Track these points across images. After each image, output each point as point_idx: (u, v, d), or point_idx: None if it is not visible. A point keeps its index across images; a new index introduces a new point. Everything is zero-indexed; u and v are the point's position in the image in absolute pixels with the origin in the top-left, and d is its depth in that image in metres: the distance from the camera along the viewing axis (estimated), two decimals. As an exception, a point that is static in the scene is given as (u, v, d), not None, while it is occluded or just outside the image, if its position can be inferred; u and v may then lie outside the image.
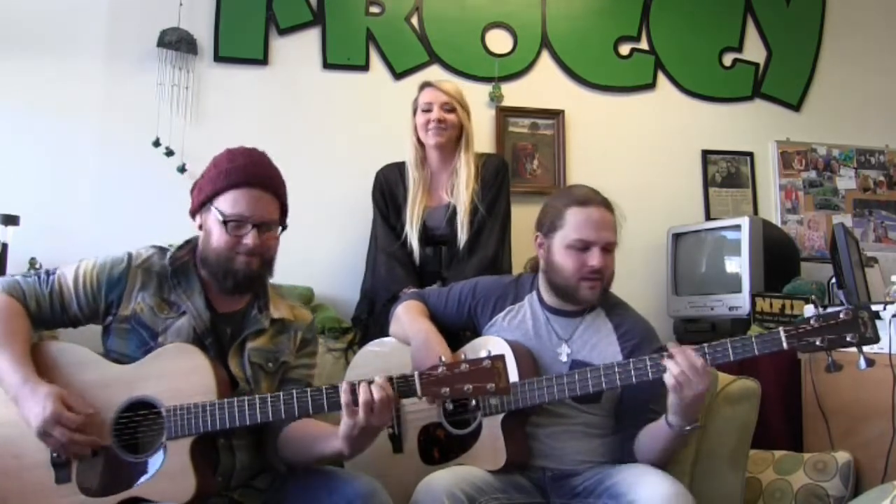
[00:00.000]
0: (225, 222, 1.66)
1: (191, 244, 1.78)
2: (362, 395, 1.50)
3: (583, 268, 1.87)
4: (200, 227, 1.73)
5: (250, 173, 1.69)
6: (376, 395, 1.50)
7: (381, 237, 2.66)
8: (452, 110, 2.62)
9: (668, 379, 1.64)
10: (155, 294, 1.69)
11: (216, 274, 1.69)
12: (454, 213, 2.58)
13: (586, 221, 1.87)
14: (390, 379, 1.55)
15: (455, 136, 2.63)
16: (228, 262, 1.67)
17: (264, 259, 1.71)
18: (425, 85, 2.68)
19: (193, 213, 1.75)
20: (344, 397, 1.51)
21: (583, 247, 1.87)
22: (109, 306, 1.69)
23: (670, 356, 1.64)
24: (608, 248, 1.89)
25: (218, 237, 1.67)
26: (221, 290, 1.72)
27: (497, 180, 2.68)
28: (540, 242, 1.97)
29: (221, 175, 1.68)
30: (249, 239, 1.66)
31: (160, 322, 1.67)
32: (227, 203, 1.66)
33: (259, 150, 1.76)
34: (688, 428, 1.71)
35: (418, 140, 2.66)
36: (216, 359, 1.67)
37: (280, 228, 1.75)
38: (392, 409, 1.53)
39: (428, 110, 2.61)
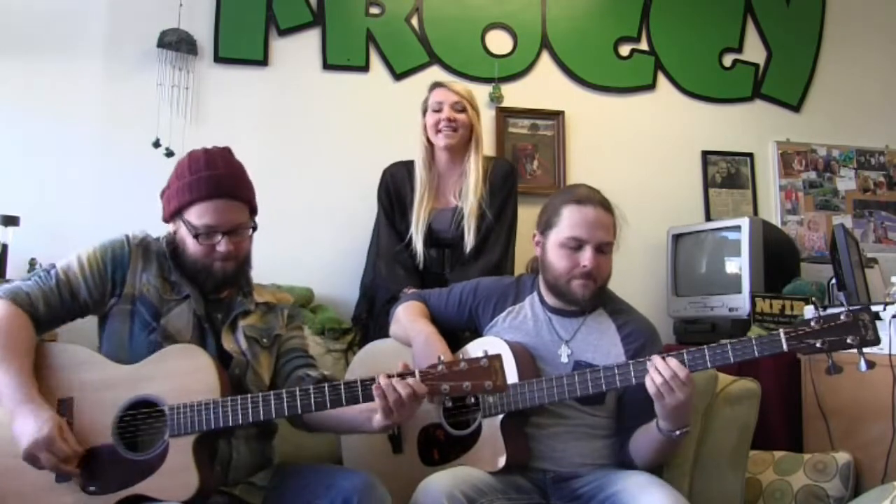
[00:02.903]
0: (196, 235, 1.70)
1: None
2: (391, 396, 1.55)
3: (574, 267, 1.86)
4: (175, 233, 1.77)
5: (213, 185, 1.70)
6: (403, 394, 1.55)
7: (384, 238, 2.65)
8: (463, 110, 2.59)
9: (650, 387, 1.66)
10: (157, 274, 1.74)
11: (195, 277, 1.74)
12: (461, 216, 2.56)
13: (581, 220, 1.86)
14: (391, 377, 1.57)
15: (465, 137, 2.60)
16: (206, 269, 1.73)
17: (238, 262, 1.76)
18: (436, 85, 2.66)
19: (166, 221, 1.79)
20: (380, 402, 1.56)
21: (576, 245, 1.86)
22: (115, 286, 1.71)
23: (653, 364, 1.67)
24: (602, 249, 1.87)
25: (192, 247, 1.72)
26: (202, 289, 1.77)
27: (506, 186, 2.66)
28: (537, 241, 1.97)
29: (185, 188, 1.71)
30: (222, 246, 1.71)
31: (164, 303, 1.71)
32: (195, 215, 1.70)
33: (220, 152, 1.77)
34: (677, 433, 1.72)
35: (427, 140, 2.63)
36: (214, 341, 1.72)
37: (251, 228, 1.78)
38: (422, 398, 1.58)
39: (438, 110, 2.58)
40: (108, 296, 1.71)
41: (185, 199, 1.70)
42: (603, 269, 1.89)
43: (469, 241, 2.54)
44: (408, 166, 2.68)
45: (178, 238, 1.74)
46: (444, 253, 2.61)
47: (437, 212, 2.61)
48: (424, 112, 2.64)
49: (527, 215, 2.71)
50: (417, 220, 2.58)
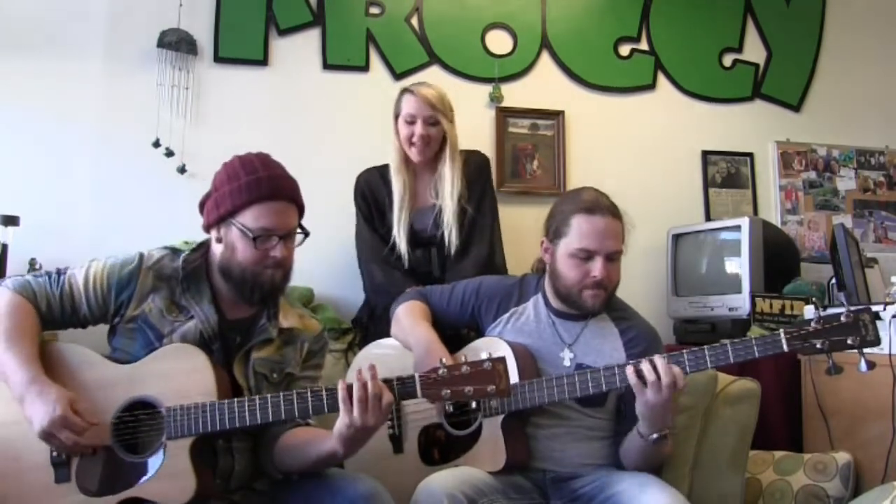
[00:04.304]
0: (255, 238, 1.63)
1: (204, 248, 1.76)
2: (357, 392, 1.51)
3: (585, 277, 1.86)
4: (219, 241, 1.70)
5: (273, 186, 1.66)
6: (370, 392, 1.51)
7: (371, 243, 2.62)
8: (436, 123, 2.55)
9: (631, 378, 1.66)
10: (166, 297, 1.69)
11: (240, 287, 1.68)
12: (441, 216, 2.56)
13: (591, 230, 1.85)
14: (390, 381, 1.55)
15: (439, 145, 2.58)
16: (255, 277, 1.66)
17: (286, 269, 1.71)
18: (406, 91, 2.59)
19: (209, 228, 1.72)
20: (340, 394, 1.52)
21: (586, 256, 1.86)
22: (119, 307, 1.69)
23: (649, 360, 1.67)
24: (612, 258, 1.87)
25: (244, 252, 1.65)
26: (245, 302, 1.71)
27: (481, 178, 2.66)
28: (546, 247, 1.96)
29: (242, 189, 1.64)
30: (277, 251, 1.65)
31: (167, 324, 1.67)
32: (251, 218, 1.64)
33: (267, 155, 1.74)
34: (654, 436, 1.72)
35: (401, 145, 2.60)
36: (222, 364, 1.67)
37: (303, 236, 1.74)
38: (385, 408, 1.53)
39: (411, 122, 2.54)
40: (110, 315, 1.70)
41: (241, 200, 1.64)
42: (613, 278, 1.89)
43: (452, 239, 2.53)
44: (380, 171, 2.67)
45: (227, 243, 1.67)
46: (429, 252, 2.60)
47: (416, 211, 2.61)
48: (396, 117, 2.60)
49: (527, 215, 2.72)
50: (398, 222, 2.57)
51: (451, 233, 2.54)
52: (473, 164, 2.67)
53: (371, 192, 2.66)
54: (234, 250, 1.66)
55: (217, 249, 1.71)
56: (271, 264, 1.66)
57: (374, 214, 2.65)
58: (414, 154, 2.56)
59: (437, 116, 2.54)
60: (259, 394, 1.69)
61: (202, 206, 1.74)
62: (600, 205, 1.89)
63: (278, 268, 1.67)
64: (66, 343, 1.70)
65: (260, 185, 1.64)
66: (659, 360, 1.66)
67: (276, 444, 1.68)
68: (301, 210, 1.73)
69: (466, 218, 2.57)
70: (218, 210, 1.67)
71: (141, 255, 1.73)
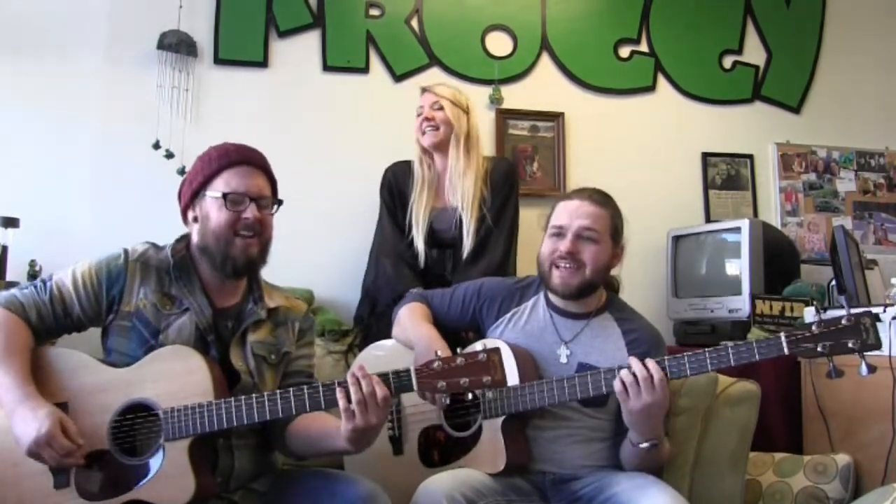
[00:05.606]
0: (224, 196, 1.67)
1: (186, 239, 1.78)
2: (354, 395, 1.51)
3: (554, 253, 1.88)
4: (196, 220, 1.73)
5: (240, 154, 1.73)
6: (366, 392, 1.51)
7: (389, 236, 2.65)
8: (441, 108, 2.62)
9: (616, 385, 1.66)
10: (156, 289, 1.69)
11: (215, 259, 1.70)
12: (460, 217, 2.57)
13: (563, 210, 1.92)
14: (386, 375, 1.55)
15: (448, 134, 2.61)
16: (228, 246, 1.68)
17: (261, 242, 1.73)
18: (422, 90, 2.71)
19: (185, 210, 1.76)
20: (341, 403, 1.52)
21: (557, 233, 1.90)
22: (112, 303, 1.68)
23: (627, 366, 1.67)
24: (584, 236, 1.87)
25: (217, 218, 1.68)
26: (221, 276, 1.72)
27: (506, 185, 2.67)
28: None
29: (211, 162, 1.72)
30: (249, 213, 1.69)
31: (162, 318, 1.67)
32: (222, 183, 1.70)
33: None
34: (643, 445, 1.72)
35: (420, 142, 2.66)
36: (219, 354, 1.68)
37: (276, 206, 1.77)
38: (387, 404, 1.53)
39: (421, 114, 2.64)
40: (103, 313, 1.69)
41: (211, 169, 1.70)
42: (586, 256, 1.87)
43: (467, 242, 2.54)
44: (410, 165, 2.70)
45: (202, 217, 1.70)
46: (445, 253, 2.61)
47: (437, 212, 2.62)
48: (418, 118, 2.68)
49: (527, 216, 2.72)
50: (417, 220, 2.59)
51: (466, 236, 2.55)
52: (500, 170, 2.69)
53: (398, 185, 2.69)
54: (209, 220, 1.70)
55: (195, 231, 1.74)
56: (243, 229, 1.68)
57: (397, 206, 2.67)
58: (424, 139, 2.63)
59: (441, 102, 2.63)
60: (260, 376, 1.71)
61: (179, 194, 1.78)
62: (581, 192, 1.95)
63: (252, 235, 1.70)
64: (63, 348, 1.69)
65: (229, 154, 1.72)
66: (635, 364, 1.66)
67: (286, 430, 1.71)
68: (273, 183, 1.79)
69: (483, 224, 2.57)
70: (191, 186, 1.73)
71: (125, 250, 1.74)
